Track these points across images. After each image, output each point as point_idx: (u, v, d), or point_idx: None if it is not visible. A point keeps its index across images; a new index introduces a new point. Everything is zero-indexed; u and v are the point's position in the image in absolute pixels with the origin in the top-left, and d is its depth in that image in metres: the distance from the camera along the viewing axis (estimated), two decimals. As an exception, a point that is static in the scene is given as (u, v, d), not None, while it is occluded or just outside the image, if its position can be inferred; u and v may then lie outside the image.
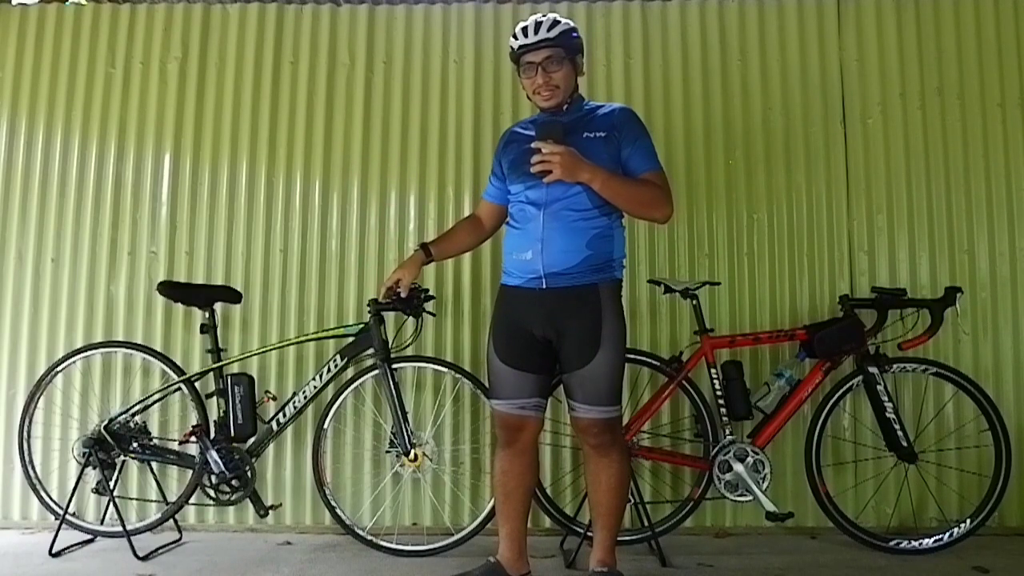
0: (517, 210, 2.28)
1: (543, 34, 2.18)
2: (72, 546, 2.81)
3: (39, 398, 3.00)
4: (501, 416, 2.29)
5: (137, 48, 3.37)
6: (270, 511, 2.88)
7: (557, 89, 2.21)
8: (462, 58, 3.37)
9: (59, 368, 3.00)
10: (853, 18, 3.33)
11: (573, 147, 2.12)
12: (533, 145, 2.12)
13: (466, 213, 3.25)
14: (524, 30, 2.21)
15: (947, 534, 2.75)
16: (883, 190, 3.23)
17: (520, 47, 2.21)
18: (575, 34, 2.25)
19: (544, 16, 2.22)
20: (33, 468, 2.95)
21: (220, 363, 2.88)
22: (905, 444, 2.78)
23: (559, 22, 2.21)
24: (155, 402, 2.99)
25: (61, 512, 2.84)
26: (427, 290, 2.88)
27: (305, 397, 2.84)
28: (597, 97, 3.30)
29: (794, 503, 3.02)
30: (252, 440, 2.84)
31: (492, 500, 2.81)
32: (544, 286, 2.18)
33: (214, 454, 2.80)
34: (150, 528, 2.90)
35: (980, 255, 3.18)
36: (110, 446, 2.81)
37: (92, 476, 2.85)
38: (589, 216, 2.18)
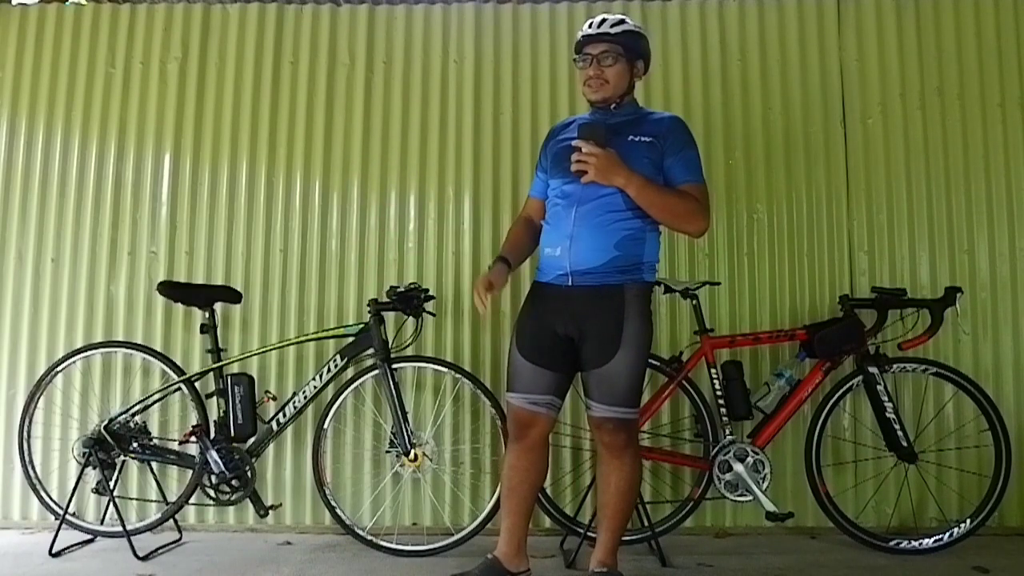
0: (552, 206, 2.28)
1: (605, 28, 2.23)
2: (72, 546, 2.81)
3: (39, 398, 2.99)
4: (513, 410, 2.29)
5: (137, 48, 3.37)
6: (270, 511, 2.88)
7: (606, 84, 2.23)
8: (462, 58, 3.36)
9: (59, 368, 3.00)
10: (853, 18, 3.32)
11: (616, 149, 2.13)
12: (574, 143, 2.14)
13: (466, 213, 3.25)
14: (591, 23, 2.26)
15: (947, 534, 2.76)
16: (883, 190, 3.23)
17: (583, 36, 2.27)
18: (641, 39, 2.27)
19: (615, 16, 2.27)
20: (33, 468, 2.95)
21: (220, 363, 2.88)
22: (905, 444, 2.78)
23: (626, 22, 2.25)
24: (155, 402, 2.99)
25: (61, 512, 2.83)
26: (427, 290, 2.88)
27: (305, 397, 2.84)
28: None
29: (794, 503, 3.02)
30: (252, 440, 2.84)
31: (492, 500, 2.82)
32: (570, 283, 2.19)
33: (214, 454, 2.79)
34: (150, 528, 2.90)
35: (980, 255, 3.18)
36: (110, 446, 2.81)
37: (92, 476, 2.85)
38: (621, 217, 2.17)
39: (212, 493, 2.83)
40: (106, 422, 2.84)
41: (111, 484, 2.81)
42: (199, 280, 3.23)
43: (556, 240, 2.22)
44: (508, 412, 2.33)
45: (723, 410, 2.81)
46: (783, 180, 3.26)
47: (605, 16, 2.26)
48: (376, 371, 2.82)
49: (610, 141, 2.13)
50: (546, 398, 2.25)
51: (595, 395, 2.18)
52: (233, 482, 2.80)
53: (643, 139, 2.20)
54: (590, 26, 2.25)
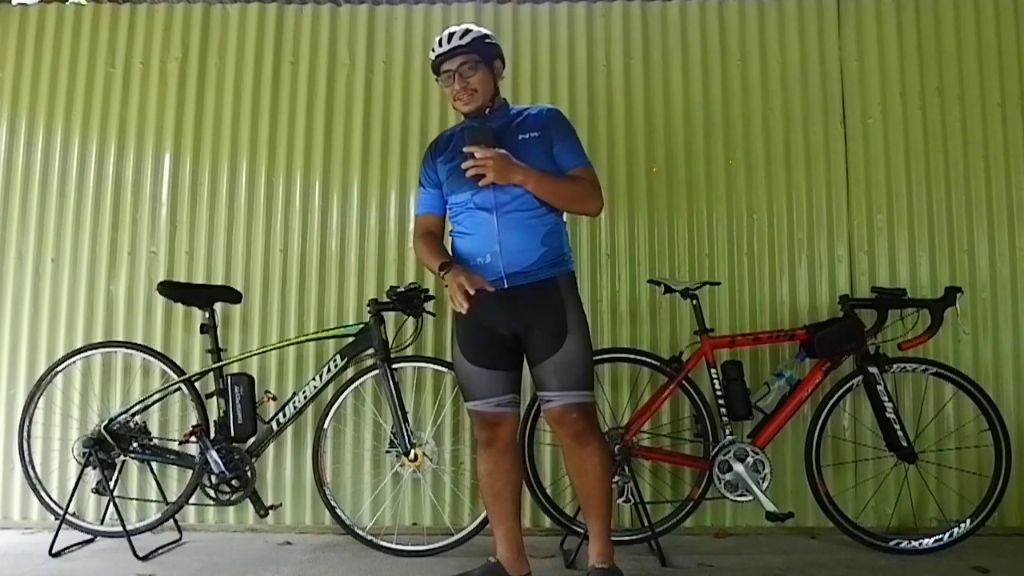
0: (466, 217, 2.27)
1: (455, 42, 2.25)
2: (72, 546, 2.81)
3: (39, 398, 3.00)
4: (479, 414, 2.29)
5: (137, 48, 3.38)
6: (270, 511, 2.88)
7: (475, 93, 2.25)
8: (462, 58, 3.36)
9: (59, 368, 3.00)
10: (853, 18, 3.33)
11: (510, 150, 2.17)
12: (465, 150, 2.16)
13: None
14: (439, 41, 2.27)
15: (947, 534, 2.75)
16: (883, 190, 3.23)
17: (436, 57, 2.27)
18: (489, 40, 2.30)
19: (458, 27, 2.28)
20: (33, 468, 2.95)
21: (220, 363, 2.88)
22: (905, 444, 2.78)
23: (471, 30, 2.28)
24: (155, 402, 2.99)
25: (61, 512, 2.83)
26: (427, 290, 2.89)
27: (305, 397, 2.84)
28: (599, 98, 3.31)
29: (794, 503, 3.02)
30: (252, 440, 2.84)
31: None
32: (506, 286, 2.21)
33: (214, 454, 2.79)
34: (150, 528, 2.90)
35: (980, 255, 3.18)
36: (110, 446, 2.81)
37: (92, 476, 2.85)
38: (539, 214, 2.22)
39: (212, 493, 2.83)
40: (106, 422, 2.84)
41: (111, 484, 2.81)
42: (199, 280, 3.23)
43: (483, 248, 2.22)
44: (473, 418, 2.34)
45: (723, 410, 2.81)
46: (783, 180, 3.26)
47: (452, 30, 2.27)
48: (376, 371, 2.82)
49: (500, 143, 2.17)
50: (507, 397, 2.28)
51: (553, 384, 2.18)
52: (233, 482, 2.80)
53: (532, 135, 2.24)
54: (440, 44, 2.26)
